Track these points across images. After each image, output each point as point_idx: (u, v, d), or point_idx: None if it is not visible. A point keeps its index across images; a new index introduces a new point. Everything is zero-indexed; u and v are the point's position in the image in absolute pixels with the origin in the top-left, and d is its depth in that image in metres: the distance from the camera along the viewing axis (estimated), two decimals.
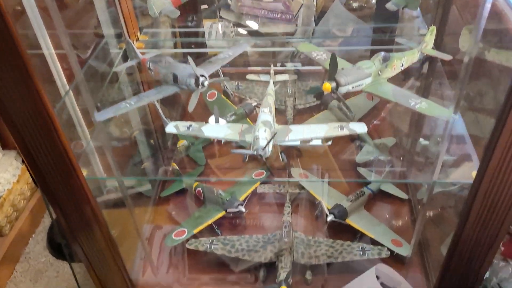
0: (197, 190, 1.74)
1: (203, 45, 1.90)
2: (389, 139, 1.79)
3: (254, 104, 1.84)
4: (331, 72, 1.08)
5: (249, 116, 1.80)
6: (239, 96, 1.96)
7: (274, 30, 2.01)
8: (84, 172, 1.08)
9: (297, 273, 1.52)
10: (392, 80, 1.26)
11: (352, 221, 1.61)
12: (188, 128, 1.09)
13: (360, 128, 1.05)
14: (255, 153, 0.98)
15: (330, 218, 1.57)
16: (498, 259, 1.66)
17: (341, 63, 1.24)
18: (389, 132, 1.82)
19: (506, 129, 0.85)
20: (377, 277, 1.19)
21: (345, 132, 1.05)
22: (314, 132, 1.07)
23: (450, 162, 1.19)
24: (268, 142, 0.98)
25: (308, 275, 1.52)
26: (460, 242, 1.06)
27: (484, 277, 1.57)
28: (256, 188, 1.77)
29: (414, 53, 1.30)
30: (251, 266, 1.52)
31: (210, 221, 1.62)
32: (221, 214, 1.65)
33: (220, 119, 1.17)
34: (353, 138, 1.77)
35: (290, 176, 1.74)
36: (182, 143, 1.85)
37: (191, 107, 1.15)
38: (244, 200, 1.68)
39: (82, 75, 1.04)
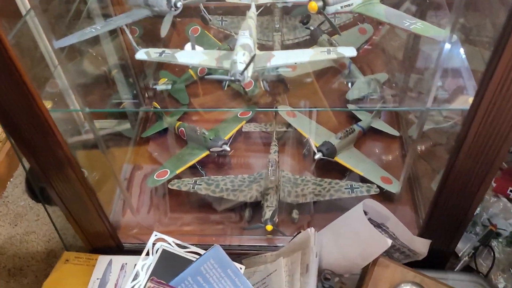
0: (179, 129, 1.66)
1: None
2: (381, 74, 1.69)
3: None
4: None
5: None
6: (224, 32, 1.83)
7: None
8: (49, 105, 0.99)
9: (284, 212, 1.48)
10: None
11: (341, 158, 1.55)
12: (161, 54, 0.99)
13: (349, 51, 0.96)
14: (233, 78, 0.89)
15: (318, 156, 1.51)
16: (490, 195, 1.63)
17: None
18: (381, 67, 1.73)
19: (506, 54, 0.77)
20: (365, 213, 1.14)
21: (333, 56, 0.96)
22: (298, 56, 0.97)
23: (446, 90, 1.11)
24: (247, 66, 0.89)
25: (295, 213, 1.48)
26: (451, 177, 1.00)
27: (475, 213, 1.55)
28: (242, 127, 1.70)
29: None
30: (236, 206, 1.48)
31: (193, 161, 1.56)
32: (204, 153, 1.58)
33: (197, 46, 1.06)
34: (345, 74, 1.68)
35: (276, 114, 1.67)
36: (163, 81, 1.74)
37: (163, 32, 1.04)
38: (229, 139, 1.61)
39: None
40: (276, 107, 1.60)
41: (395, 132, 1.69)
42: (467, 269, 1.44)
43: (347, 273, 1.17)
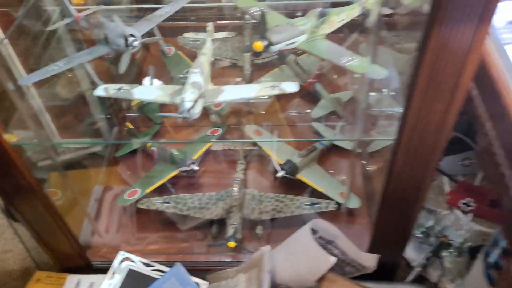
0: (151, 149, 1.74)
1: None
2: (346, 92, 1.79)
3: (212, 59, 1.80)
4: (262, 31, 1.05)
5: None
6: (196, 51, 1.91)
7: None
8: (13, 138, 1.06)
9: (248, 228, 1.56)
10: (333, 36, 1.24)
11: (303, 176, 1.64)
12: (119, 90, 1.07)
13: (291, 87, 1.04)
14: (181, 115, 0.97)
15: (280, 174, 1.60)
16: (444, 207, 1.73)
17: (279, 19, 1.21)
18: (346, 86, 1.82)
19: (418, 87, 0.85)
20: (316, 232, 1.23)
21: (276, 92, 1.04)
22: (245, 92, 1.06)
23: (388, 118, 1.20)
24: (194, 104, 0.97)
25: (259, 229, 1.56)
26: (387, 196, 1.10)
27: (429, 225, 1.65)
28: (211, 145, 1.78)
29: (354, 7, 1.27)
30: (203, 223, 1.56)
31: (162, 181, 1.64)
32: (174, 173, 1.66)
33: (154, 80, 1.14)
34: (311, 92, 1.77)
35: (243, 133, 1.75)
36: (136, 102, 1.82)
37: (121, 68, 1.12)
38: (198, 158, 1.69)
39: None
40: (243, 126, 1.69)
41: (357, 149, 1.78)
42: (420, 279, 1.54)
43: (301, 286, 1.25)
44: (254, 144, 1.77)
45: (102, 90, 1.07)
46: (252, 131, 1.75)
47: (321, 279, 1.19)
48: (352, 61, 1.06)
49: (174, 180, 1.67)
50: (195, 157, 1.69)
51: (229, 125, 1.76)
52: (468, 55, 0.77)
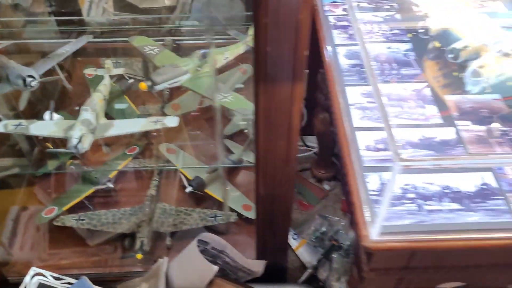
0: (70, 167, 1.86)
1: (81, 23, 1.92)
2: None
3: (131, 81, 1.93)
4: (146, 72, 1.21)
5: (126, 93, 1.90)
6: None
7: (154, 5, 2.07)
8: None
9: (159, 240, 1.72)
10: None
11: (211, 190, 1.81)
12: (17, 127, 1.20)
13: (172, 122, 1.21)
14: (69, 150, 1.12)
15: (188, 189, 1.76)
16: (339, 214, 1.96)
17: (170, 57, 1.37)
18: None
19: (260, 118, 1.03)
20: (208, 243, 1.41)
21: (158, 126, 1.21)
22: (132, 127, 1.22)
23: None
24: (80, 140, 1.12)
25: (168, 241, 1.72)
26: (260, 207, 1.28)
27: (323, 230, 1.87)
28: (127, 163, 1.91)
29: (239, 46, 1.45)
30: (115, 237, 1.70)
31: (79, 198, 1.76)
32: (90, 191, 1.78)
33: (54, 114, 1.28)
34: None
35: (157, 151, 1.90)
36: None
37: (21, 105, 1.25)
38: (114, 176, 1.83)
39: None
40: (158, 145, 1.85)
41: None
42: (313, 279, 1.75)
43: None
44: (168, 161, 1.93)
45: (2, 127, 1.20)
46: (166, 150, 1.90)
47: (210, 284, 1.36)
48: (226, 98, 1.24)
49: (91, 198, 1.79)
50: (111, 175, 1.82)
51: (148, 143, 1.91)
52: (292, 104, 0.96)
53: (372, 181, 0.98)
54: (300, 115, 0.98)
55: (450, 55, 1.14)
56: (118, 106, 1.77)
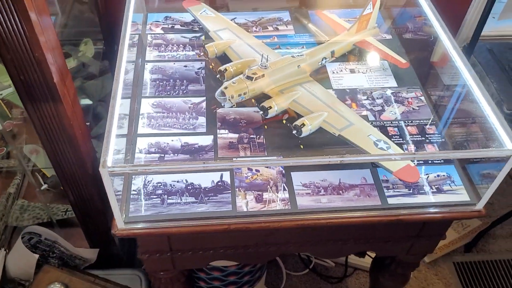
0: None
1: None
2: None
3: None
4: None
5: None
6: None
7: None
8: None
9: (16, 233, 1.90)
10: None
11: None
12: None
13: None
14: None
15: (43, 187, 1.94)
16: None
17: None
18: None
19: None
20: (40, 235, 1.60)
21: None
22: None
23: None
24: None
25: None
26: (76, 211, 1.49)
27: None
28: None
29: (70, 61, 1.64)
30: None
31: None
32: None
33: None
34: None
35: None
36: None
37: None
38: None
39: None
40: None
41: None
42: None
43: (29, 277, 1.62)
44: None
45: None
46: (29, 151, 2.07)
47: (40, 271, 1.56)
48: None
49: None
50: None
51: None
52: (62, 118, 1.18)
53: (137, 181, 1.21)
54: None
55: (217, 76, 1.38)
56: None
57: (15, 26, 0.94)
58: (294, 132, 1.24)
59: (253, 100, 1.32)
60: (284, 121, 1.29)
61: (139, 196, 1.18)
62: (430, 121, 1.37)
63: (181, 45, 1.59)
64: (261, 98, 1.32)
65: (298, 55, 1.41)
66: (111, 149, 1.01)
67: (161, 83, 1.45)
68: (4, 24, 0.93)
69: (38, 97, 1.09)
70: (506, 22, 2.02)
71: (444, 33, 1.34)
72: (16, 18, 0.93)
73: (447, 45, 1.32)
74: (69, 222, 1.90)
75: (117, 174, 1.04)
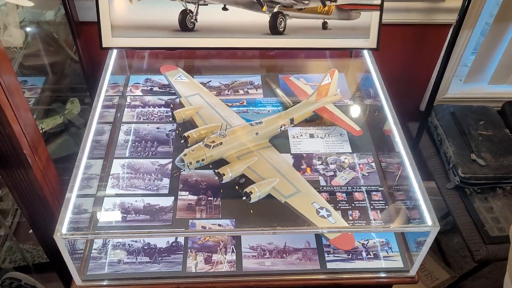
0: None
1: None
2: None
3: None
4: None
5: None
6: None
7: None
8: None
9: None
10: None
11: None
12: None
13: None
14: None
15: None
16: None
17: None
18: None
19: None
20: (21, 280, 1.73)
21: None
22: None
23: None
24: None
25: None
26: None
27: None
28: None
29: (56, 118, 1.80)
30: None
31: None
32: None
33: None
34: None
35: None
36: None
37: None
38: None
39: None
40: None
41: None
42: None
43: None
44: None
45: None
46: None
47: None
48: None
49: None
50: None
51: None
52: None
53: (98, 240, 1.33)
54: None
55: (182, 141, 1.51)
56: None
57: None
58: (244, 198, 1.35)
59: (210, 166, 1.44)
60: (236, 187, 1.41)
61: (98, 255, 1.30)
62: (377, 188, 1.46)
63: (156, 107, 1.73)
64: (220, 163, 1.44)
65: (256, 123, 1.53)
66: (68, 215, 1.14)
67: (133, 144, 1.59)
68: None
69: (10, 164, 1.24)
70: (470, 85, 2.13)
71: (388, 107, 1.46)
72: None
73: (389, 118, 1.44)
74: (47, 266, 2.02)
75: (71, 239, 1.16)
